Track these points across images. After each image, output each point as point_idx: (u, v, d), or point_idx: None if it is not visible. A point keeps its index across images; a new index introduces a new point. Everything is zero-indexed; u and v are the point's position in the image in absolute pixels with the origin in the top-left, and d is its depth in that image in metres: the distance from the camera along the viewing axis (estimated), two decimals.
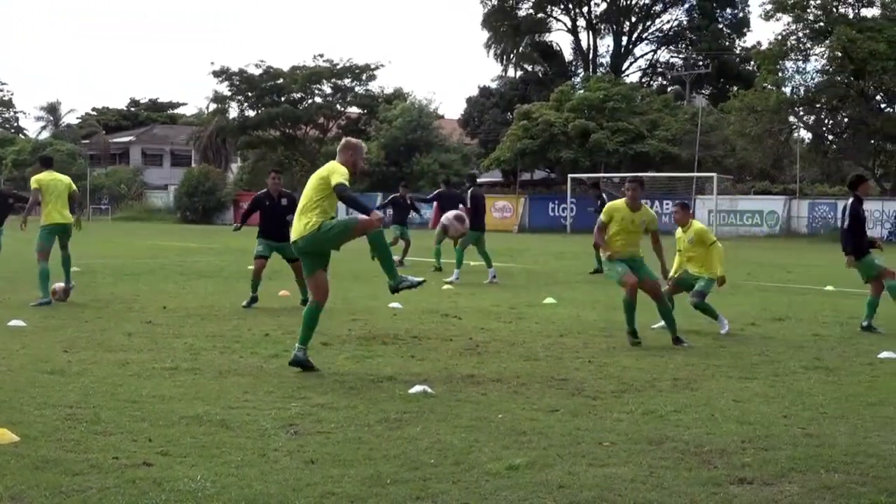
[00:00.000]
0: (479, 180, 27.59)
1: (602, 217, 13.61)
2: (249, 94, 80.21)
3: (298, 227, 10.91)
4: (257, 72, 78.95)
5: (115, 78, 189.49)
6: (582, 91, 69.95)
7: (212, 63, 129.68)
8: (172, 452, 7.26)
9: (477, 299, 18.45)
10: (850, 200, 15.23)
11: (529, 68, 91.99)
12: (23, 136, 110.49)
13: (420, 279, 11.20)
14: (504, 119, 79.65)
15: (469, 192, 23.90)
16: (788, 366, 11.53)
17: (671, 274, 14.67)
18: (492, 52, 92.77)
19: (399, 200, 27.97)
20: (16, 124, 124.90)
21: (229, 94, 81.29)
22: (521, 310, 16.96)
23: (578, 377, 10.60)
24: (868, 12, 59.33)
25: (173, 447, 7.40)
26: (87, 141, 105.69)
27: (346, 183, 10.75)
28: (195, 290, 19.74)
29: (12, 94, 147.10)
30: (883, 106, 61.06)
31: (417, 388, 9.59)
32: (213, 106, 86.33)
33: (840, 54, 56.74)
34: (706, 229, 15.10)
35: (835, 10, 59.10)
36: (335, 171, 10.86)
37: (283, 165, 79.09)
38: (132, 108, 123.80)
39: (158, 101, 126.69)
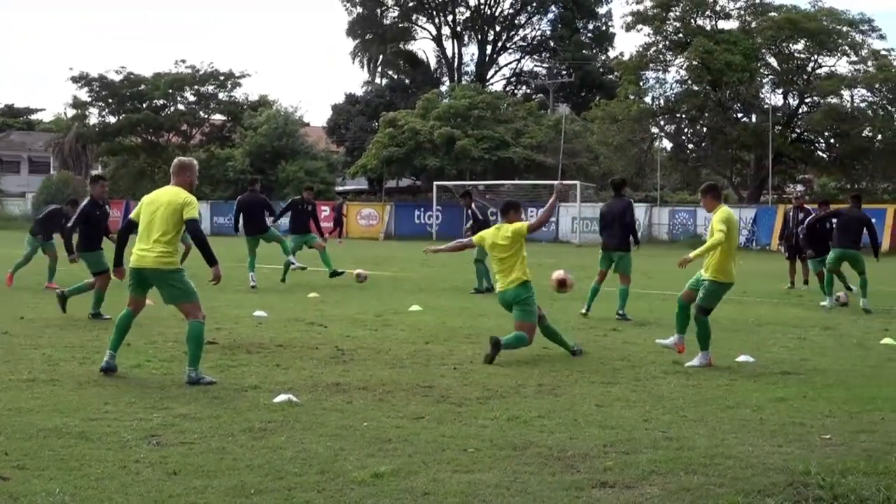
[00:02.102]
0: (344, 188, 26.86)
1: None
2: (110, 100, 78.81)
3: (150, 256, 10.86)
4: (118, 78, 77.67)
5: None
6: (447, 99, 70.28)
7: (70, 69, 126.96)
8: (30, 466, 7.10)
9: (343, 307, 18.40)
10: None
11: (395, 76, 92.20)
12: None
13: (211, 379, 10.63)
14: (370, 126, 79.62)
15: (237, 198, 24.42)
16: (649, 371, 11.75)
17: None
18: (357, 59, 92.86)
19: (300, 206, 24.53)
20: None
21: (89, 100, 79.80)
22: (387, 317, 16.96)
23: (444, 384, 10.64)
24: (725, 24, 60.90)
25: (31, 460, 7.24)
26: None
27: (198, 219, 11.10)
28: (54, 300, 19.28)
29: None
30: (739, 116, 62.64)
31: (282, 397, 9.53)
32: (72, 112, 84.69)
33: (698, 65, 58.05)
34: (724, 217, 12.29)
35: (693, 22, 60.49)
36: (190, 205, 10.92)
37: (145, 173, 77.87)
38: None
39: (14, 106, 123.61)
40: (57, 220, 22.80)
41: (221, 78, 78.75)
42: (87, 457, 7.37)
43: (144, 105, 77.84)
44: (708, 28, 60.32)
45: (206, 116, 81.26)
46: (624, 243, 18.11)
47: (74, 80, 77.61)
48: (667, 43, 61.35)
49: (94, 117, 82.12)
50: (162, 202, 10.99)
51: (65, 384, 10.30)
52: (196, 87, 78.65)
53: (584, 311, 17.73)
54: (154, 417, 8.72)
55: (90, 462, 7.23)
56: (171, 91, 77.71)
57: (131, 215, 11.35)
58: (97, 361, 11.71)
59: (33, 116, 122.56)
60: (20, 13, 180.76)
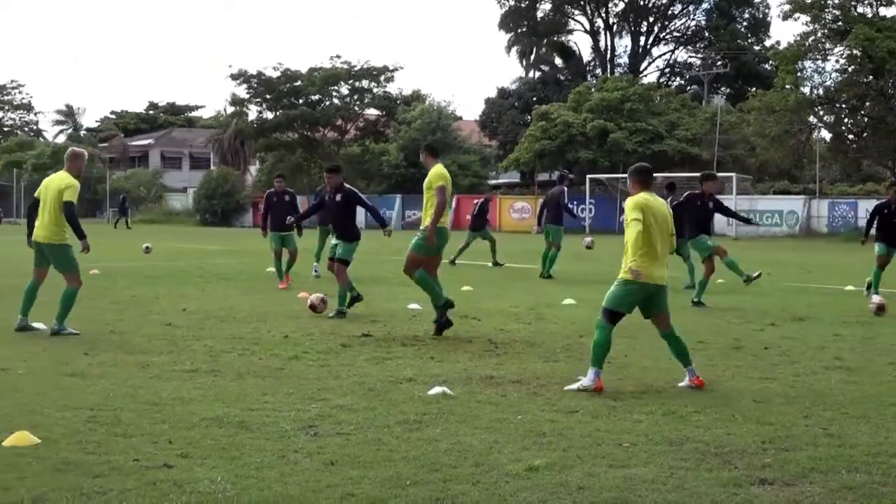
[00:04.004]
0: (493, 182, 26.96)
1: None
2: (267, 96, 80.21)
3: (46, 232, 13.38)
4: (275, 74, 78.98)
5: (133, 81, 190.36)
6: (600, 91, 69.79)
7: (229, 66, 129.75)
8: (192, 454, 7.27)
9: (496, 301, 18.42)
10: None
11: (547, 69, 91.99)
12: (42, 140, 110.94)
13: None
14: (522, 120, 79.60)
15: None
16: (809, 366, 11.47)
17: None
18: (512, 53, 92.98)
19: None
20: (35, 127, 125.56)
21: (247, 96, 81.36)
22: (541, 311, 16.93)
23: None
24: (887, 11, 59.20)
25: (193, 449, 7.42)
26: (104, 144, 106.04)
27: (75, 202, 13.34)
28: (214, 292, 19.78)
29: (31, 97, 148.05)
30: None
31: (437, 390, 9.58)
32: (231, 108, 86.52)
33: (859, 54, 56.55)
34: (634, 204, 10.13)
35: (853, 9, 58.93)
36: (70, 188, 13.33)
37: (302, 168, 79.02)
38: (150, 112, 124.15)
39: (176, 104, 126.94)
40: (273, 207, 21.25)
41: (375, 73, 79.45)
42: (247, 446, 7.52)
43: (300, 101, 78.99)
44: (869, 15, 58.68)
45: (360, 111, 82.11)
46: None
47: (233, 77, 79.23)
48: (826, 31, 59.83)
49: (252, 113, 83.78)
50: (52, 187, 13.43)
51: (225, 375, 10.53)
52: (351, 81, 79.52)
53: None
54: (311, 408, 8.85)
55: (250, 451, 7.37)
56: (325, 86, 78.69)
57: (36, 193, 13.78)
58: (257, 353, 11.99)
59: (194, 114, 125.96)
60: (181, 13, 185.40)
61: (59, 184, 13.44)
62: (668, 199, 22.28)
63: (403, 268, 14.37)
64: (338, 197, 16.24)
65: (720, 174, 58.76)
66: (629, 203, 10.18)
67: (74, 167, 13.74)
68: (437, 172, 14.02)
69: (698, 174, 21.25)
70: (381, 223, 16.74)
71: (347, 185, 16.53)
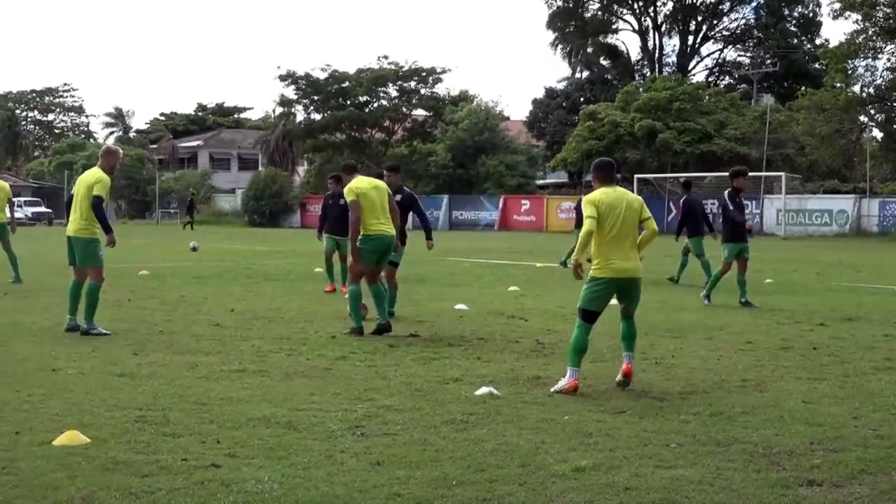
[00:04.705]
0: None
1: None
2: (315, 97, 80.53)
3: (75, 226, 13.66)
4: (323, 75, 79.25)
5: (182, 83, 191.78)
6: (648, 91, 69.51)
7: (278, 67, 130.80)
8: (240, 454, 7.30)
9: (543, 301, 18.39)
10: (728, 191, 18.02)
11: (595, 69, 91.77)
12: (92, 141, 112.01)
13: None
14: (570, 120, 79.46)
15: None
16: (859, 367, 11.37)
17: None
18: (558, 52, 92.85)
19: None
20: (86, 129, 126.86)
21: (295, 97, 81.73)
22: None
23: (645, 378, 10.52)
24: None
25: (241, 449, 7.45)
26: (154, 145, 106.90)
27: (104, 197, 13.53)
28: (262, 292, 19.86)
29: (82, 101, 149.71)
30: None
31: (483, 390, 9.56)
32: (279, 110, 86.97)
33: None
34: (589, 200, 10.04)
35: None
36: (99, 183, 13.58)
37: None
38: (199, 113, 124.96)
39: (225, 105, 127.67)
40: (327, 209, 20.81)
41: (423, 74, 79.57)
42: (294, 446, 7.54)
43: (348, 102, 79.22)
44: None
45: (408, 112, 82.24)
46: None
47: (281, 78, 79.69)
48: (877, 30, 59.32)
49: (300, 114, 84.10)
50: (84, 182, 13.78)
51: (273, 375, 10.57)
52: (399, 83, 79.67)
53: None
54: (358, 409, 8.86)
55: (297, 451, 7.39)
56: (373, 87, 78.88)
57: (72, 190, 14.19)
58: (303, 353, 12.02)
59: (242, 115, 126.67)
60: (230, 15, 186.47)
61: (90, 179, 13.74)
62: (682, 197, 22.30)
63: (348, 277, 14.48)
64: (397, 197, 15.45)
65: (770, 173, 58.79)
66: (584, 200, 10.13)
67: (107, 164, 14.05)
68: (346, 188, 14.04)
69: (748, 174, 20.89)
70: (427, 233, 16.45)
71: (406, 189, 16.13)
